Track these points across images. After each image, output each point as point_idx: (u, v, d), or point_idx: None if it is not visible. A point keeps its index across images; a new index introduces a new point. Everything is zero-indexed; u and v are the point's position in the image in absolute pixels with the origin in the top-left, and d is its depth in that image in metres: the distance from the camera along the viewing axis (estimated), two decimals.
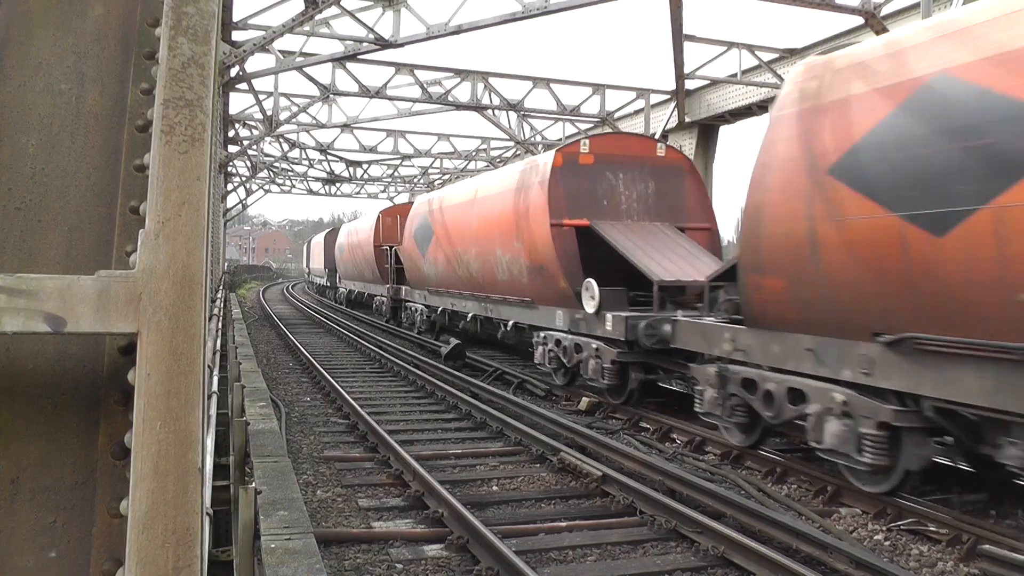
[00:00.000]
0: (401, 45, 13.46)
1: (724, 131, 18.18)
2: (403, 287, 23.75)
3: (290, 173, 35.83)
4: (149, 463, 1.20)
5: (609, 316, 10.89)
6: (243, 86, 17.01)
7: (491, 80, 19.31)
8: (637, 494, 6.81)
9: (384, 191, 42.63)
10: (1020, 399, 5.54)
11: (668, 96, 18.34)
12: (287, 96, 20.78)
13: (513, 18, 12.32)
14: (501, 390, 12.55)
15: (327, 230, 49.27)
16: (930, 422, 6.42)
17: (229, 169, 28.67)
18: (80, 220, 1.51)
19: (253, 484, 4.24)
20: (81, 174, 1.55)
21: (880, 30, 11.83)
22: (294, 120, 21.81)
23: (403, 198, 38.69)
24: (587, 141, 12.98)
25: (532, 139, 22.92)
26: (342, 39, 14.50)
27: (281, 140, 27.83)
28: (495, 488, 7.58)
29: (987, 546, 5.77)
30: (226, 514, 5.10)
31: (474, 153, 30.49)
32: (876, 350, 6.61)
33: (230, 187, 34.35)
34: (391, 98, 19.24)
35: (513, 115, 21.56)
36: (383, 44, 13.55)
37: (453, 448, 9.14)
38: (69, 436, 1.35)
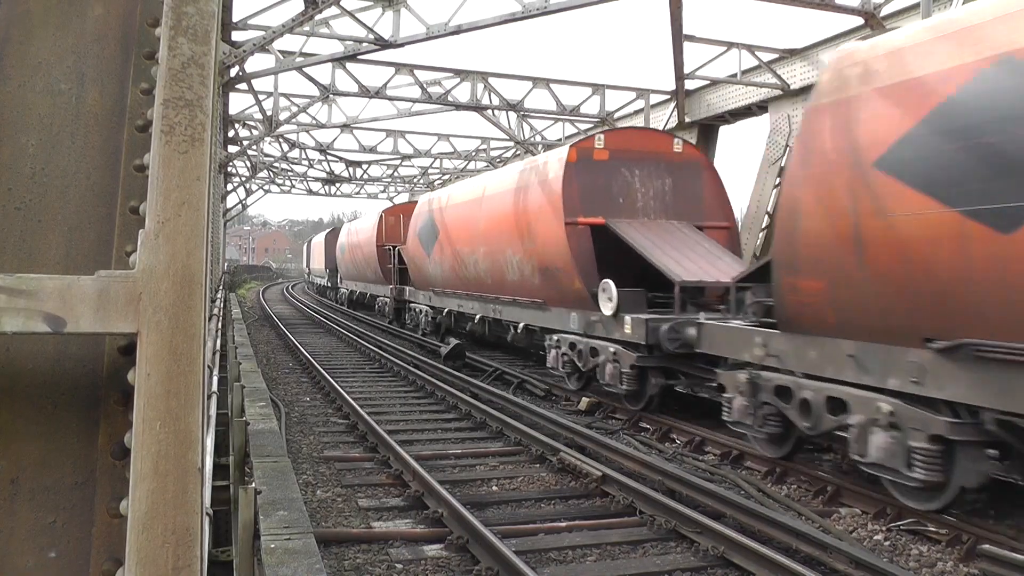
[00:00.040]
0: (401, 45, 13.45)
1: (724, 131, 18.18)
2: (407, 288, 23.20)
3: (290, 173, 35.82)
4: (149, 463, 1.20)
5: (628, 319, 10.44)
6: (243, 86, 17.01)
7: (491, 80, 19.31)
8: (637, 494, 6.81)
9: (384, 191, 42.62)
10: None
11: (668, 96, 18.33)
12: (287, 96, 20.78)
13: (513, 18, 12.32)
14: (501, 390, 12.55)
15: (328, 229, 48.76)
16: (990, 435, 5.91)
17: (229, 169, 28.67)
18: (80, 220, 1.51)
19: (253, 484, 4.24)
20: (81, 174, 1.55)
21: (880, 30, 11.82)
22: (294, 120, 21.80)
23: (403, 198, 38.68)
24: (602, 136, 12.48)
25: (532, 139, 22.91)
26: (342, 39, 14.49)
27: (281, 140, 27.82)
28: (495, 488, 7.58)
29: (987, 546, 5.77)
30: (226, 514, 5.10)
31: (474, 153, 30.49)
32: (928, 357, 6.12)
33: (230, 187, 34.35)
34: (391, 98, 19.23)
35: (513, 115, 21.56)
36: (383, 44, 13.55)
37: (453, 448, 9.14)
38: (69, 436, 1.35)
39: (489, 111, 20.11)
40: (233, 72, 15.23)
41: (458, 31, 12.85)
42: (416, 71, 18.51)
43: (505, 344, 16.87)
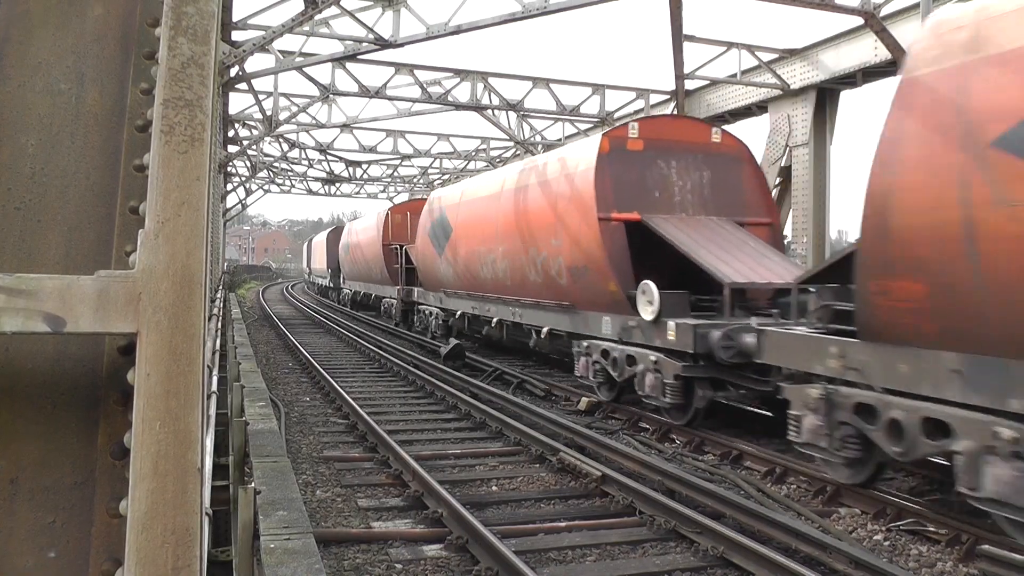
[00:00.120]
0: (401, 45, 13.45)
1: None
2: (415, 289, 22.28)
3: (290, 173, 35.83)
4: (148, 463, 1.20)
5: (672, 324, 9.50)
6: (243, 86, 17.01)
7: (491, 80, 19.31)
8: (636, 494, 6.81)
9: (384, 191, 42.62)
10: None
11: (668, 96, 18.34)
12: (287, 96, 20.79)
13: (513, 18, 12.32)
14: (501, 390, 12.55)
15: (329, 228, 48.15)
16: None
17: (229, 169, 28.67)
18: (80, 220, 1.51)
19: (252, 484, 4.24)
20: (81, 174, 1.55)
21: (880, 31, 11.83)
22: (294, 120, 21.81)
23: (402, 198, 38.65)
24: (636, 124, 11.55)
25: (532, 139, 22.92)
26: (342, 39, 14.50)
27: (281, 140, 27.82)
28: (494, 488, 7.58)
29: (986, 546, 5.77)
30: (225, 514, 5.10)
31: (474, 153, 30.49)
32: None
33: (230, 187, 34.35)
34: (391, 98, 19.23)
35: (513, 115, 21.56)
36: (383, 44, 13.55)
37: (452, 448, 9.14)
38: (68, 436, 1.35)
39: (489, 111, 20.11)
40: (233, 72, 15.23)
41: (458, 31, 12.85)
42: (416, 71, 18.51)
43: (526, 350, 15.98)
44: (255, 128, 24.02)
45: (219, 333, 10.62)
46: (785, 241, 13.63)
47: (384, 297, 27.31)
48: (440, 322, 19.41)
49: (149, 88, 1.60)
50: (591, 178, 11.03)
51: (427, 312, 20.69)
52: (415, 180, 36.90)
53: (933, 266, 5.89)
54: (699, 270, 10.05)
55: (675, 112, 17.51)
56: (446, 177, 34.23)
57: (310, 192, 40.06)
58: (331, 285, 42.15)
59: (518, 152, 25.41)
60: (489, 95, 19.46)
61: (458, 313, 17.80)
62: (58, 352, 1.39)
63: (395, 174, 35.73)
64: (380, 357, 16.96)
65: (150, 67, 1.64)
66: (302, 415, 10.93)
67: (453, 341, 16.86)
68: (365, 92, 18.47)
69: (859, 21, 12.86)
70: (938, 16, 6.36)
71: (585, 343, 11.71)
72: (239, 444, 5.30)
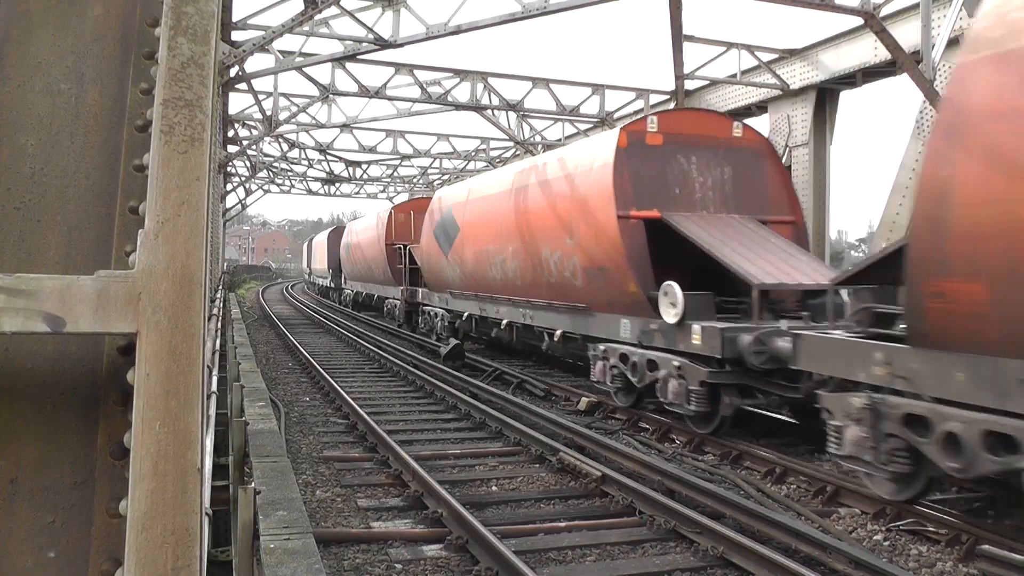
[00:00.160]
0: (401, 45, 13.44)
1: None
2: (419, 290, 21.72)
3: (289, 173, 35.82)
4: (148, 463, 1.20)
5: (697, 327, 9.04)
6: (242, 86, 17.01)
7: (490, 80, 19.31)
8: (636, 494, 6.81)
9: (383, 191, 42.62)
10: None
11: (667, 96, 18.33)
12: (287, 96, 20.78)
13: (512, 18, 12.31)
14: (500, 390, 12.55)
15: (330, 228, 47.72)
16: None
17: (228, 169, 28.67)
18: (79, 220, 1.51)
19: (252, 484, 4.24)
20: (80, 174, 1.55)
21: (880, 31, 11.83)
22: (293, 120, 21.80)
23: (402, 198, 38.61)
24: (655, 118, 11.02)
25: (531, 139, 22.92)
26: (342, 39, 14.49)
27: (280, 140, 27.82)
28: (494, 488, 7.58)
29: (986, 546, 5.77)
30: (225, 514, 5.10)
31: (473, 153, 30.49)
32: None
33: (229, 187, 34.35)
34: (390, 98, 19.23)
35: (512, 115, 21.55)
36: (383, 44, 13.55)
37: (452, 448, 9.14)
38: (68, 436, 1.35)
39: (489, 111, 20.10)
40: (233, 72, 15.23)
41: (458, 31, 12.84)
42: (416, 71, 18.51)
43: (538, 353, 15.39)
44: (255, 128, 24.01)
45: (219, 333, 10.62)
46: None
47: (387, 298, 26.75)
48: (446, 324, 18.81)
49: (149, 88, 1.60)
50: (609, 174, 10.54)
51: (432, 314, 20.07)
52: (415, 180, 36.90)
53: (996, 266, 5.38)
54: (719, 271, 9.68)
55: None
56: (446, 177, 34.22)
57: (310, 192, 40.05)
58: (332, 285, 41.73)
59: (518, 152, 25.40)
60: (489, 95, 19.46)
61: (465, 315, 17.25)
62: (58, 352, 1.39)
63: (395, 174, 35.73)
64: (380, 357, 16.96)
65: (150, 67, 1.64)
66: (302, 415, 10.93)
67: (453, 341, 16.85)
68: (365, 92, 18.46)
69: (859, 21, 12.85)
70: None
71: (602, 347, 11.22)
72: (239, 444, 5.30)
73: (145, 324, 1.25)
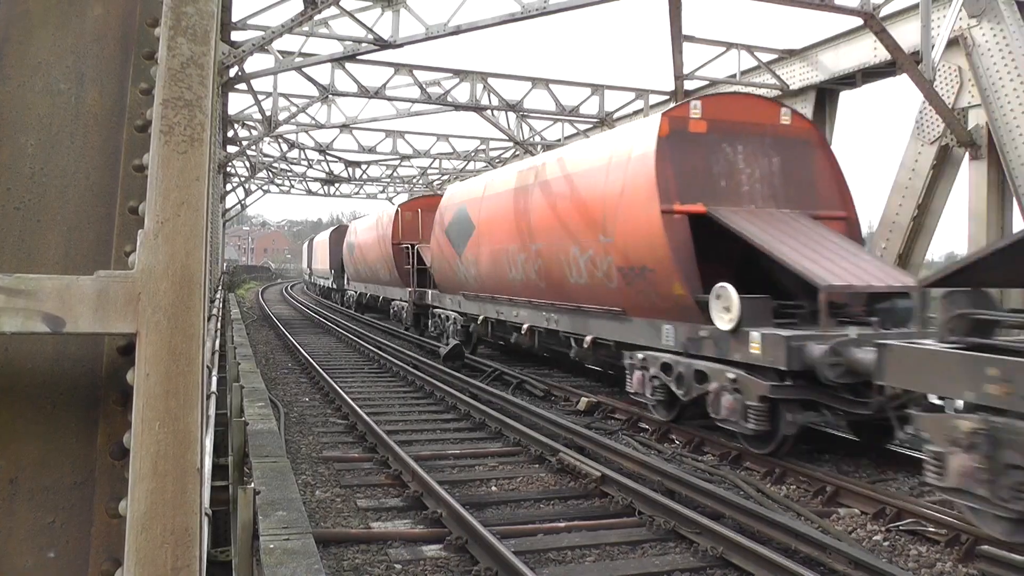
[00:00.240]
0: (400, 46, 13.44)
1: None
2: (429, 291, 20.70)
3: (289, 173, 35.83)
4: (148, 463, 1.20)
5: (756, 335, 8.11)
6: (242, 86, 17.01)
7: (490, 80, 19.31)
8: (636, 495, 6.81)
9: (383, 191, 42.63)
10: None
11: (667, 97, 18.34)
12: (286, 96, 20.78)
13: (512, 19, 12.31)
14: (500, 390, 12.55)
15: (332, 227, 46.99)
16: None
17: (228, 169, 28.67)
18: (79, 220, 1.51)
19: (252, 484, 4.24)
20: (80, 174, 1.55)
21: (879, 31, 11.83)
22: (293, 120, 21.80)
23: (402, 198, 38.57)
24: (698, 103, 10.05)
25: (531, 139, 22.92)
26: (341, 39, 14.49)
27: (280, 140, 27.82)
28: (494, 488, 7.58)
29: (986, 547, 5.77)
30: (225, 514, 5.10)
31: (473, 153, 30.50)
32: None
33: (229, 187, 34.36)
34: (390, 98, 19.23)
35: (512, 115, 21.55)
36: (382, 44, 13.55)
37: (452, 448, 9.14)
38: (68, 436, 1.35)
39: (488, 111, 20.10)
40: (232, 72, 15.23)
41: (457, 31, 12.84)
42: (415, 71, 18.51)
43: (564, 360, 14.32)
44: (254, 128, 24.01)
45: (218, 333, 10.62)
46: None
47: (393, 300, 25.75)
48: (458, 328, 17.63)
49: (149, 88, 1.60)
50: (651, 164, 9.57)
51: (443, 317, 18.85)
52: (414, 180, 36.91)
53: None
54: (766, 272, 8.94)
55: None
56: (445, 178, 34.23)
57: (309, 192, 40.05)
58: (334, 287, 40.77)
59: (517, 153, 25.39)
60: (488, 95, 19.46)
61: (480, 318, 16.19)
62: (58, 352, 1.39)
63: (394, 174, 35.74)
64: (379, 357, 16.96)
65: (150, 67, 1.64)
66: (301, 415, 10.93)
67: (452, 341, 16.85)
68: (364, 92, 18.47)
69: (858, 22, 12.85)
70: None
71: (640, 355, 10.19)
72: (238, 444, 5.30)
73: (145, 324, 1.25)
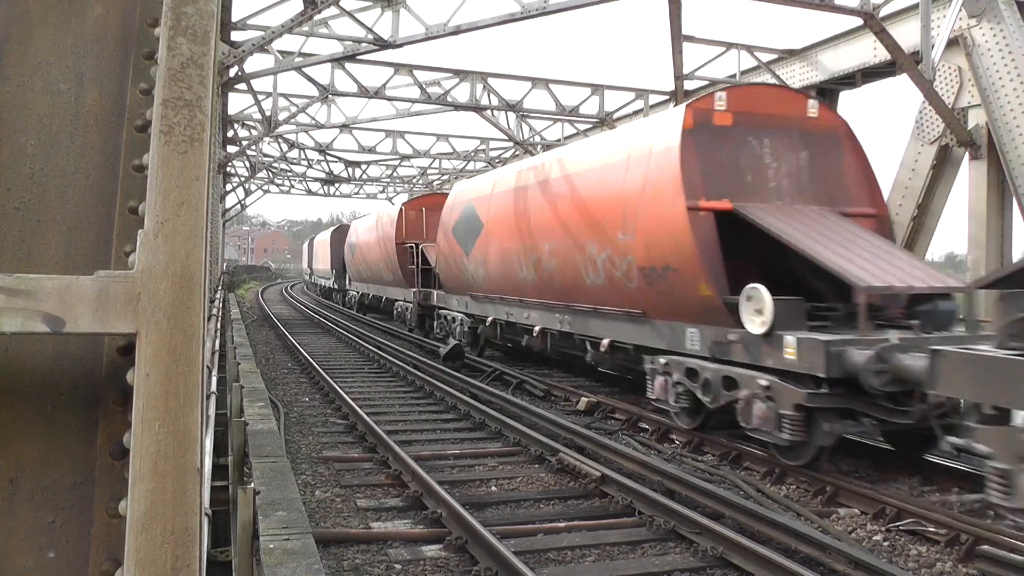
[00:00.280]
0: (400, 46, 13.44)
1: None
2: (434, 292, 20.23)
3: (289, 173, 35.83)
4: (148, 463, 1.20)
5: (791, 339, 7.65)
6: (242, 86, 17.01)
7: (490, 80, 19.31)
8: (636, 495, 6.81)
9: (383, 191, 42.64)
10: None
11: (667, 97, 18.34)
12: (286, 96, 20.78)
13: (512, 19, 12.31)
14: (500, 390, 12.55)
15: (333, 227, 46.69)
16: None
17: (228, 169, 28.67)
18: (79, 220, 1.51)
19: (252, 484, 4.24)
20: (80, 174, 1.55)
21: (879, 31, 11.84)
22: (293, 120, 21.81)
23: (402, 198, 38.54)
24: (723, 95, 9.59)
25: (531, 139, 22.92)
26: (341, 39, 14.50)
27: (280, 140, 27.82)
28: (494, 488, 7.58)
29: (986, 546, 5.77)
30: (225, 514, 5.10)
31: (473, 153, 30.50)
32: None
33: (229, 187, 34.36)
34: (390, 98, 19.23)
35: (512, 115, 21.55)
36: (382, 44, 13.55)
37: (452, 448, 9.14)
38: (68, 436, 1.35)
39: (488, 111, 20.10)
40: (232, 72, 15.23)
41: (457, 31, 12.84)
42: (415, 71, 18.51)
43: (580, 364, 13.81)
44: (254, 128, 24.01)
45: (218, 333, 10.62)
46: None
47: (397, 300, 25.20)
48: (466, 329, 17.08)
49: (149, 88, 1.60)
50: (675, 158, 9.10)
51: (450, 318, 18.33)
52: (414, 180, 36.92)
53: None
54: (793, 272, 8.65)
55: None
56: (445, 178, 34.23)
57: (309, 192, 40.05)
58: (336, 287, 40.39)
59: (517, 152, 25.38)
60: (488, 95, 19.46)
61: (489, 320, 15.65)
62: (57, 352, 1.39)
63: (394, 174, 35.75)
64: (379, 357, 16.96)
65: (150, 67, 1.64)
66: (301, 415, 10.93)
67: (452, 341, 16.84)
68: (364, 92, 18.47)
69: (858, 22, 12.85)
70: None
71: (663, 359, 9.73)
72: (238, 444, 5.30)
73: (145, 324, 1.25)
